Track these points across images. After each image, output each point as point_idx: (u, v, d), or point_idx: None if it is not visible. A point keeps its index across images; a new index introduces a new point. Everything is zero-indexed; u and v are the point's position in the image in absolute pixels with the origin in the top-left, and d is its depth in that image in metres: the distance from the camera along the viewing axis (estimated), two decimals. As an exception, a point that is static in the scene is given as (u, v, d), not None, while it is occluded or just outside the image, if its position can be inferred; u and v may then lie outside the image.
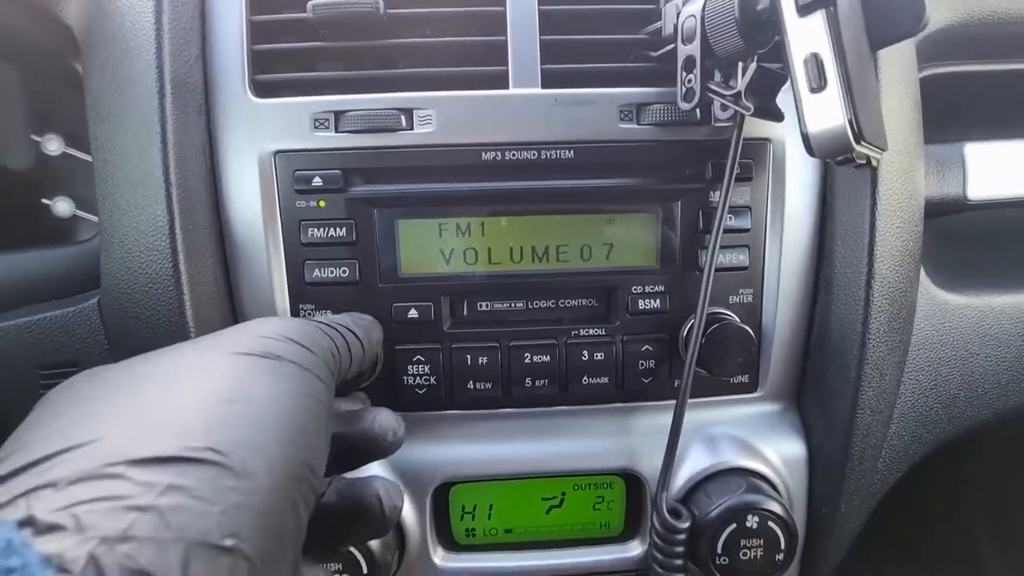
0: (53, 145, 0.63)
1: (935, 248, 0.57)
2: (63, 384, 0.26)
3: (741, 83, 0.36)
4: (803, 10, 0.29)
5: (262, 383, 0.25)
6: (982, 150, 0.55)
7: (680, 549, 0.41)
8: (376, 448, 0.33)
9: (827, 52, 0.29)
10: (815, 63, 0.29)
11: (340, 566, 0.40)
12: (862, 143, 0.30)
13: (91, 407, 0.23)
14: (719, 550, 0.41)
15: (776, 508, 0.41)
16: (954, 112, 0.58)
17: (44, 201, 0.64)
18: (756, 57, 0.36)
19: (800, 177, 0.44)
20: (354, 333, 0.34)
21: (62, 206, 0.64)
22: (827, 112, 0.30)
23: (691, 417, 0.45)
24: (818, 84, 0.29)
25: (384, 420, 0.33)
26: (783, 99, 0.39)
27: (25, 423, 0.23)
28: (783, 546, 0.41)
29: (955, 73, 0.58)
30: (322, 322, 0.33)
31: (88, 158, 0.62)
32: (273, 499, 0.21)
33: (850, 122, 0.29)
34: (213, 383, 0.24)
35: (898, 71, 0.43)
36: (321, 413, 0.27)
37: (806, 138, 0.31)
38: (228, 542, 0.19)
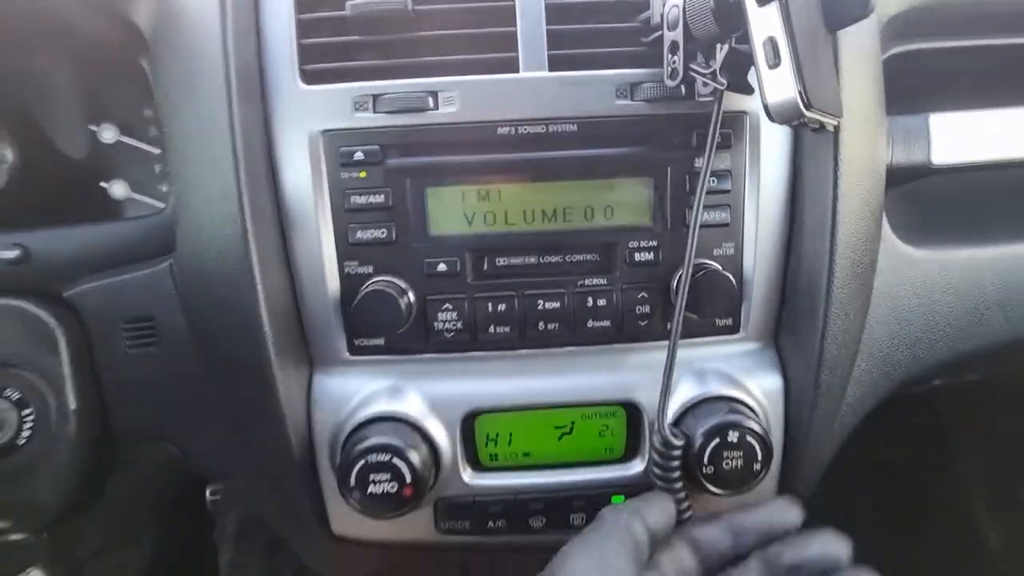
0: (108, 134, 0.70)
1: (907, 211, 0.64)
2: None
3: (716, 63, 0.43)
4: (761, 1, 0.36)
5: None
6: (946, 119, 0.60)
7: (677, 463, 0.48)
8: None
9: (780, 35, 0.36)
10: (771, 45, 0.36)
11: (389, 475, 0.48)
12: (811, 110, 0.37)
13: None
14: (705, 461, 0.48)
15: (754, 426, 0.49)
16: (923, 86, 0.64)
17: (102, 184, 0.71)
18: (732, 40, 0.43)
19: (774, 144, 0.51)
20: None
21: (118, 189, 0.71)
22: (782, 85, 0.36)
23: (682, 355, 0.52)
24: (774, 62, 0.36)
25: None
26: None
27: None
28: (760, 457, 0.48)
29: (924, 50, 0.63)
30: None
31: (140, 145, 0.70)
32: None
33: (800, 93, 0.36)
34: None
35: (858, 50, 0.50)
36: None
37: (766, 107, 0.37)
38: None
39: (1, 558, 0.48)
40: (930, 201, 0.68)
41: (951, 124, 0.60)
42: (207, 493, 1.12)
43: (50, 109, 0.69)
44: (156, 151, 0.70)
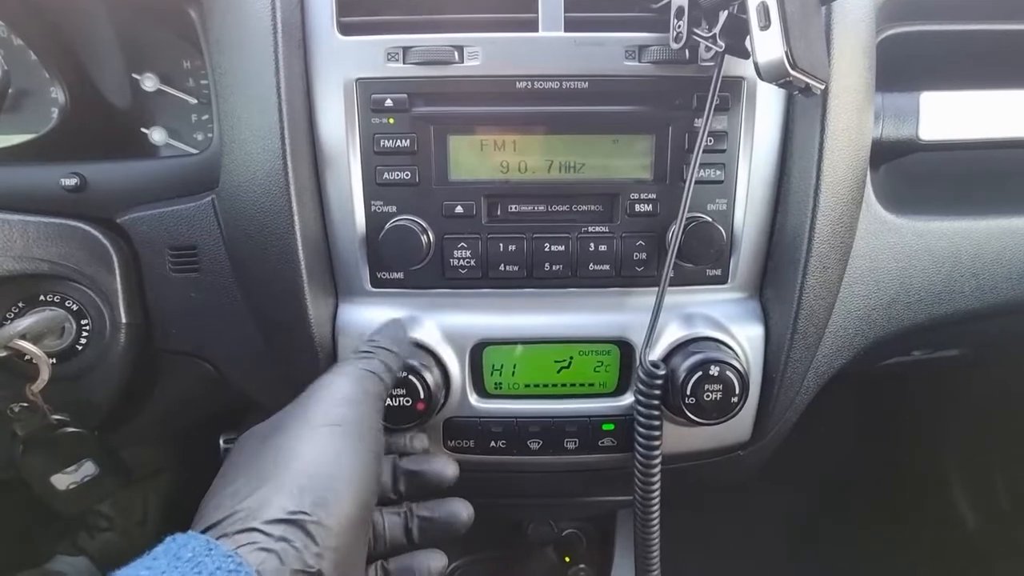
0: (149, 83, 0.75)
1: (897, 185, 0.68)
2: (237, 445, 0.41)
3: (717, 27, 0.47)
4: (756, -30, 0.40)
5: (333, 450, 0.38)
6: (936, 98, 0.64)
7: (657, 392, 0.54)
8: (440, 482, 0.49)
9: (772, 0, 0.40)
10: (763, 8, 0.40)
11: (405, 391, 0.53)
12: (796, 69, 0.41)
13: (242, 474, 0.37)
14: (688, 393, 0.54)
15: (734, 362, 0.54)
16: (920, 67, 0.67)
17: (143, 130, 0.76)
18: (733, 8, 0.47)
19: (768, 108, 0.55)
20: (391, 350, 0.48)
21: (157, 135, 0.77)
22: (771, 45, 0.41)
23: (673, 300, 0.58)
24: (764, 24, 0.40)
25: (441, 464, 0.50)
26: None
27: (221, 476, 0.39)
28: (737, 391, 0.54)
29: (921, 32, 0.67)
30: (367, 359, 0.46)
31: (179, 95, 0.75)
32: (344, 539, 0.36)
33: (786, 53, 0.40)
34: (303, 458, 0.37)
35: (851, 24, 0.53)
36: (374, 461, 0.41)
37: (756, 66, 0.42)
38: (314, 568, 0.34)
39: (62, 446, 0.55)
40: (921, 179, 0.72)
41: (941, 103, 0.64)
42: (221, 441, 1.20)
43: (97, 57, 0.74)
44: (193, 101, 0.75)
